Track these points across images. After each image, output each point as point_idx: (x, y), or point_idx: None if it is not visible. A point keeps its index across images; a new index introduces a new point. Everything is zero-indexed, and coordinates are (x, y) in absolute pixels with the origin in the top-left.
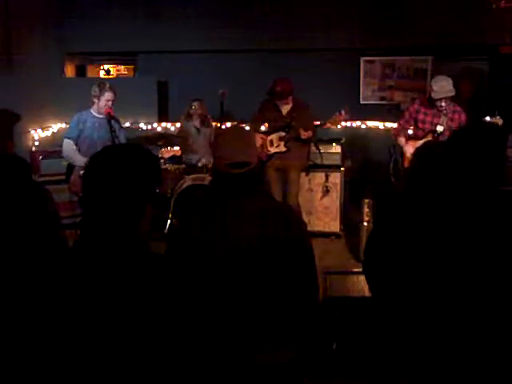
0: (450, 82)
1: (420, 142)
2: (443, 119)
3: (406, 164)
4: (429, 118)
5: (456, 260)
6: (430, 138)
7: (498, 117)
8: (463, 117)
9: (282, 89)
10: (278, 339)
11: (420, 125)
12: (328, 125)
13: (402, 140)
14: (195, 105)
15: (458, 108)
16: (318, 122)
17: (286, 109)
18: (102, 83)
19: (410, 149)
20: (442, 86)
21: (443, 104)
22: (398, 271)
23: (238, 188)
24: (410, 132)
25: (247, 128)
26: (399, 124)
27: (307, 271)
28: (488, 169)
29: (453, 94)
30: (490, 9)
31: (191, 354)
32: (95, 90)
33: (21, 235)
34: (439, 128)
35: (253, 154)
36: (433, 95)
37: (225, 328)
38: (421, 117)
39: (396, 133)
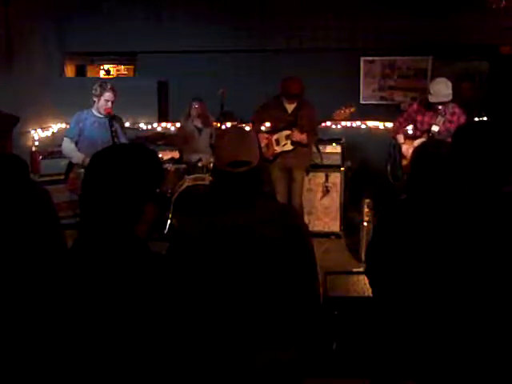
0: (449, 85)
1: (416, 142)
2: (440, 119)
3: (405, 162)
4: (427, 119)
5: (458, 261)
6: (424, 138)
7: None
8: (462, 119)
9: (299, 90)
10: (278, 339)
11: (418, 125)
12: (336, 117)
13: (400, 137)
14: (195, 104)
15: (457, 110)
16: (328, 124)
17: (291, 107)
18: (103, 83)
19: (407, 147)
20: (439, 90)
21: (440, 107)
22: (400, 272)
23: (239, 187)
24: (410, 132)
25: (248, 128)
26: (398, 122)
27: (308, 272)
28: (493, 168)
29: (448, 98)
30: (490, 9)
31: (192, 355)
32: (96, 89)
33: (20, 235)
34: (434, 128)
35: (254, 153)
36: (429, 97)
37: (225, 328)
38: (419, 118)
39: (394, 131)
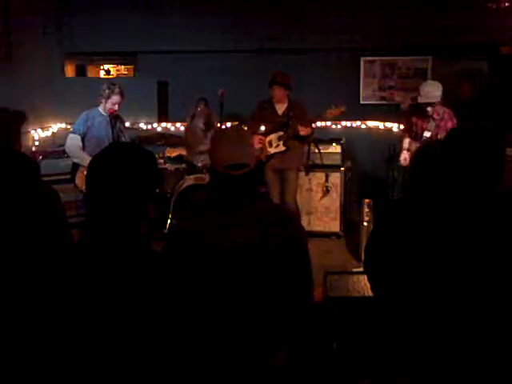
0: (439, 87)
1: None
2: (431, 124)
3: (402, 160)
4: (420, 122)
5: (455, 260)
6: (419, 143)
7: None
8: (449, 124)
9: (281, 79)
10: (273, 341)
11: (413, 127)
12: (326, 117)
13: (406, 141)
14: (200, 105)
15: (446, 115)
16: (328, 124)
17: (281, 108)
18: (112, 85)
19: (405, 157)
20: (428, 92)
21: (429, 109)
22: (397, 271)
23: (236, 190)
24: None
25: (245, 129)
26: (404, 126)
27: (303, 274)
28: (486, 169)
29: (437, 100)
30: (490, 9)
31: (188, 354)
32: (105, 90)
33: (26, 234)
34: (426, 134)
35: (251, 155)
36: (418, 99)
37: (221, 330)
38: (413, 120)
39: (403, 132)
